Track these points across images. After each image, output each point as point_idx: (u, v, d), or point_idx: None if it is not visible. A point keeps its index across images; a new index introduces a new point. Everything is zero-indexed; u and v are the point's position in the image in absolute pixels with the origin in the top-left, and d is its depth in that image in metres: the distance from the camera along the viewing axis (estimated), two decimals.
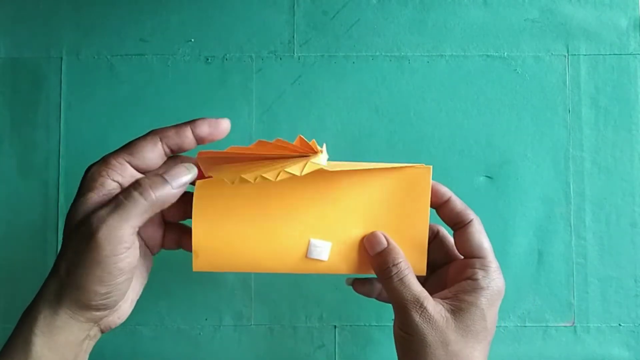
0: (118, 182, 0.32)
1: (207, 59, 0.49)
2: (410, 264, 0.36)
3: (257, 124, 0.48)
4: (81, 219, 0.30)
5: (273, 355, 0.47)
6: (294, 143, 0.33)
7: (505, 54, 0.49)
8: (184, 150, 0.34)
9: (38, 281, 0.47)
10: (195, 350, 0.47)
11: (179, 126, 0.33)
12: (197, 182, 0.35)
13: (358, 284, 0.41)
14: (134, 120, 0.48)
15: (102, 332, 0.34)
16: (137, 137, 0.34)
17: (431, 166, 0.37)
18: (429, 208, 0.37)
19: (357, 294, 0.45)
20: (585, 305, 0.47)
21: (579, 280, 0.47)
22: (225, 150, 0.34)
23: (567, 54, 0.49)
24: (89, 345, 0.34)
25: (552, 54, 0.49)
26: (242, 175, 0.32)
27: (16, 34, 0.48)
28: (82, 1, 0.49)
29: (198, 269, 0.37)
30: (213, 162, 0.35)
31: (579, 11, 0.49)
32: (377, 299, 0.41)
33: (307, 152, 0.33)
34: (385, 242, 0.36)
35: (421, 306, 0.34)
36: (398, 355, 0.36)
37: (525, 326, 0.47)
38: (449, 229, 0.39)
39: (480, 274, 0.36)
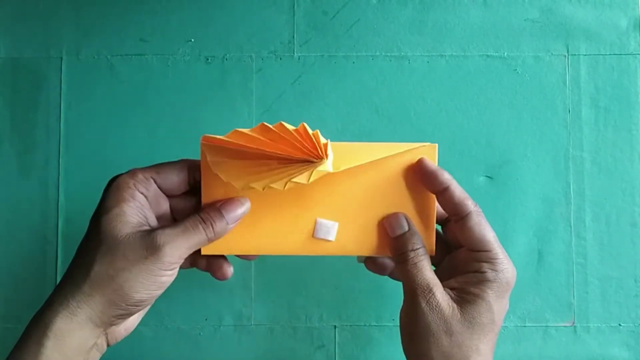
0: (144, 195, 0.34)
1: (207, 59, 0.49)
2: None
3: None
4: (131, 232, 0.33)
5: (273, 355, 0.47)
6: (297, 128, 0.32)
7: (505, 54, 0.49)
8: None
9: (38, 281, 0.47)
10: (195, 350, 0.47)
11: None
12: (203, 165, 0.35)
13: (370, 262, 0.40)
14: (134, 120, 0.48)
15: (108, 344, 0.35)
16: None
17: (436, 144, 0.37)
18: None
19: (357, 294, 0.45)
20: (585, 305, 0.47)
21: (579, 280, 0.47)
22: (228, 138, 0.33)
23: (567, 54, 0.49)
24: (95, 356, 0.34)
25: (552, 54, 0.49)
26: (251, 184, 0.33)
27: (16, 34, 0.48)
28: (82, 1, 0.49)
29: (207, 252, 0.37)
30: (218, 151, 0.35)
31: (579, 11, 0.49)
32: (390, 276, 0.41)
33: (312, 154, 0.33)
34: (406, 226, 0.36)
35: (430, 292, 0.34)
36: (402, 341, 0.36)
37: (525, 326, 0.47)
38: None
39: (486, 267, 0.35)
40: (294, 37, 0.49)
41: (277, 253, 0.37)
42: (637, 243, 0.47)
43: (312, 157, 0.33)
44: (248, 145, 0.34)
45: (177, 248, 0.33)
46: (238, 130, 0.33)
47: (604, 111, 0.48)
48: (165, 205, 0.36)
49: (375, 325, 0.47)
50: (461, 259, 0.37)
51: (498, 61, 0.48)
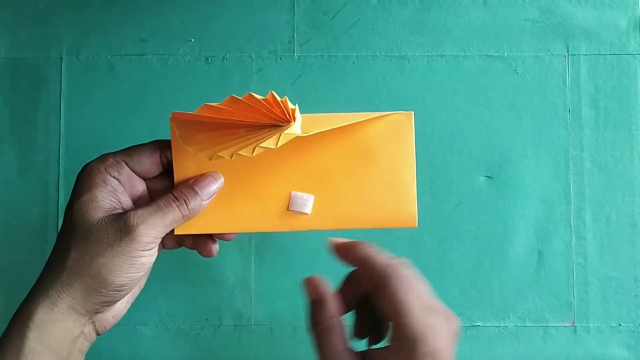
0: (117, 179, 0.34)
1: (207, 59, 0.49)
2: (399, 214, 0.35)
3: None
4: (104, 216, 0.32)
5: (273, 355, 0.47)
6: (266, 97, 0.31)
7: (505, 54, 0.49)
8: None
9: None
10: (195, 350, 0.47)
11: None
12: (174, 142, 0.35)
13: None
14: (134, 120, 0.48)
15: (97, 332, 0.35)
16: (137, 140, 0.35)
17: (412, 112, 0.36)
18: (414, 154, 0.36)
19: None
20: (585, 305, 0.47)
21: (579, 280, 0.47)
22: (197, 113, 0.33)
23: (567, 54, 0.49)
24: (83, 345, 0.34)
25: (552, 54, 0.49)
26: (219, 153, 0.32)
27: (16, 34, 0.48)
28: (82, 1, 0.49)
29: (180, 232, 0.36)
30: (187, 126, 0.34)
31: (579, 11, 0.49)
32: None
33: (280, 118, 0.32)
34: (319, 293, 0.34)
35: None
36: None
37: (525, 326, 0.47)
38: None
39: (392, 342, 0.32)
40: (294, 37, 0.49)
41: (253, 230, 0.36)
42: (637, 243, 0.47)
43: (280, 122, 0.32)
44: (217, 116, 0.33)
45: (151, 227, 0.32)
46: (207, 105, 0.32)
47: (604, 111, 0.48)
48: (141, 188, 0.35)
49: None
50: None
51: (498, 61, 0.48)
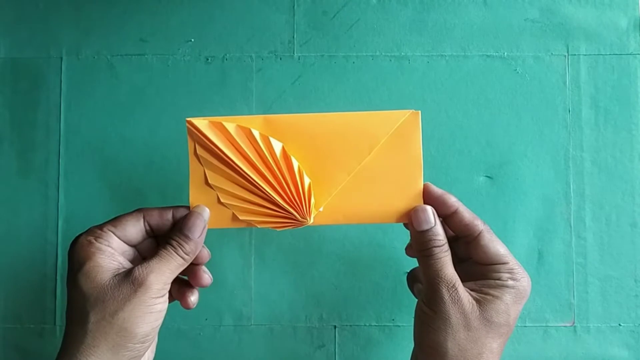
0: (109, 246, 0.35)
1: (207, 59, 0.49)
2: (407, 209, 0.37)
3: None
4: (112, 277, 0.34)
5: (273, 355, 0.47)
6: (282, 158, 0.36)
7: (505, 54, 0.49)
8: (162, 231, 0.37)
9: (38, 281, 0.47)
10: (195, 350, 0.47)
11: (162, 209, 0.37)
12: (191, 154, 0.37)
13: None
14: (134, 120, 0.48)
15: None
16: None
17: (419, 111, 0.37)
18: (421, 151, 0.37)
19: (357, 294, 0.44)
20: (585, 305, 0.47)
21: (579, 280, 0.47)
22: (213, 133, 0.36)
23: (567, 54, 0.49)
24: None
25: (552, 54, 0.49)
26: (237, 214, 0.37)
27: (16, 34, 0.48)
28: (82, 1, 0.49)
29: (211, 226, 0.38)
30: (204, 145, 0.36)
31: (579, 11, 0.49)
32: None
33: (296, 205, 0.36)
34: (433, 221, 0.36)
35: (453, 287, 0.35)
36: (415, 332, 0.37)
37: (525, 326, 0.47)
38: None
39: (506, 276, 0.36)
40: (294, 37, 0.49)
41: (266, 226, 0.37)
42: (637, 243, 0.47)
43: (296, 213, 0.36)
44: (234, 161, 0.36)
45: (160, 274, 0.34)
46: (224, 127, 0.36)
47: (604, 111, 0.48)
48: (131, 251, 0.37)
49: (375, 325, 0.47)
50: (477, 269, 0.38)
51: (498, 61, 0.48)
